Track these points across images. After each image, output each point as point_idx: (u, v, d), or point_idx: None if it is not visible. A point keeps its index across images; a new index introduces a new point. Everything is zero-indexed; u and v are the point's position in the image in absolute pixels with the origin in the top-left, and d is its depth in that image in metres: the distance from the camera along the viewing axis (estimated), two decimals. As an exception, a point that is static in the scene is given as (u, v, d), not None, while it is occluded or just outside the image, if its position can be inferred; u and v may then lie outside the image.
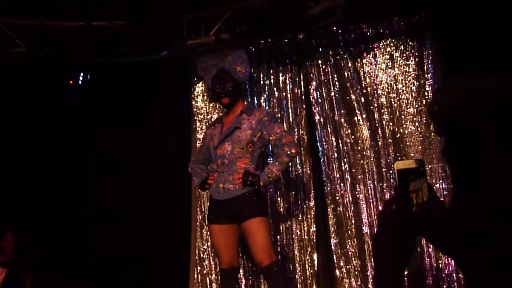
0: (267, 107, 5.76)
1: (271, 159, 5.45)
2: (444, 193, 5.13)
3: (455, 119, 1.45)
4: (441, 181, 5.17)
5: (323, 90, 5.70)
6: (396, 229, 1.49)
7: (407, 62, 5.45)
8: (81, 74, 5.98)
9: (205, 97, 6.09)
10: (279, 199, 5.67)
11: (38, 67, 5.88)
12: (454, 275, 4.98)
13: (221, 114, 5.47)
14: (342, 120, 5.60)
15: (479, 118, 1.42)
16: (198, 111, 6.10)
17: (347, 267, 5.39)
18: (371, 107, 5.52)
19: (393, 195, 1.54)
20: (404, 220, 1.46)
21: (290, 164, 5.03)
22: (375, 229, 5.04)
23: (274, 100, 5.86)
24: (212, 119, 5.87)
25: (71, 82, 6.00)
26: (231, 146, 4.27)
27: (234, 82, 4.39)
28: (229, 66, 4.43)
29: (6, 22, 5.65)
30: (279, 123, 4.55)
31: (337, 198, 5.53)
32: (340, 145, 5.58)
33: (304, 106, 5.77)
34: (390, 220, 1.51)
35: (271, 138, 4.28)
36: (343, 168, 5.55)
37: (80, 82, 5.99)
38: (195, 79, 6.11)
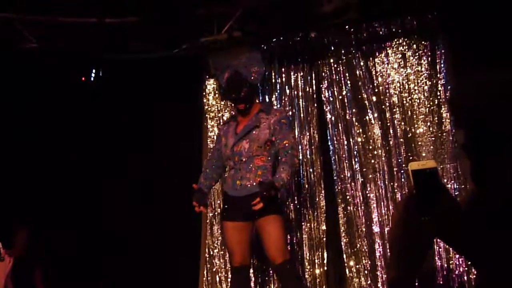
0: (278, 106, 5.76)
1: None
2: (456, 193, 5.12)
3: (474, 112, 1.46)
4: (452, 181, 5.16)
5: (335, 89, 5.69)
6: (413, 231, 1.49)
7: (419, 62, 5.42)
8: (93, 71, 5.98)
9: (217, 95, 6.08)
10: (289, 197, 5.66)
11: (49, 63, 5.88)
12: (465, 275, 4.97)
13: (232, 112, 5.48)
14: (354, 119, 5.58)
15: (497, 111, 1.42)
16: (209, 108, 6.10)
17: (357, 266, 5.39)
18: (383, 107, 5.51)
19: (408, 196, 1.53)
20: (423, 222, 1.46)
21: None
22: (389, 229, 5.05)
23: (286, 99, 5.85)
24: (224, 117, 5.89)
25: (83, 78, 6.00)
26: (249, 144, 4.26)
27: (249, 87, 4.36)
28: (243, 68, 4.38)
29: (18, 18, 5.65)
30: (293, 132, 4.58)
31: (348, 197, 5.52)
32: (351, 144, 5.57)
33: (315, 104, 5.77)
34: (407, 221, 1.51)
35: (283, 142, 4.25)
36: (354, 167, 5.54)
37: (92, 78, 5.99)
38: (207, 76, 6.11)
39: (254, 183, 4.19)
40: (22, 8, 5.58)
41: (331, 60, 5.75)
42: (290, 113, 5.69)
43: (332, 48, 5.76)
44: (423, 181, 1.45)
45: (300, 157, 5.58)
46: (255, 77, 4.41)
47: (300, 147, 5.61)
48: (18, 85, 6.08)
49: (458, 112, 1.54)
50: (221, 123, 5.61)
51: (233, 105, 4.58)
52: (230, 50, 5.59)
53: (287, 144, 4.24)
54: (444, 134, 5.23)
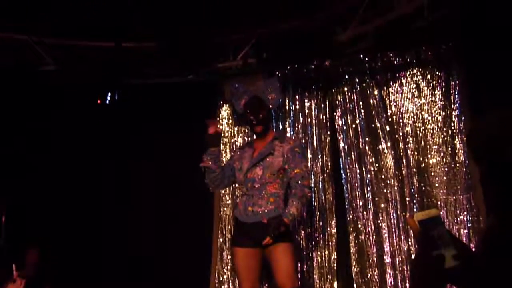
0: (292, 133, 5.77)
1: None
2: (468, 225, 5.08)
3: (493, 150, 1.46)
4: (465, 213, 5.12)
5: (348, 117, 5.70)
6: (430, 280, 1.49)
7: (433, 92, 5.43)
8: (109, 94, 6.04)
9: (230, 121, 6.11)
10: (300, 225, 5.64)
11: (66, 85, 5.94)
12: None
13: (246, 138, 5.50)
14: (367, 148, 5.58)
15: None
16: (223, 134, 6.11)
17: (368, 296, 5.35)
18: (396, 136, 5.50)
19: (420, 247, 1.54)
20: (438, 271, 1.46)
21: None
22: (408, 280, 5.02)
23: (299, 126, 5.87)
24: (237, 143, 5.90)
25: (99, 101, 6.06)
26: (262, 171, 4.27)
27: (267, 110, 4.40)
28: (261, 93, 4.42)
29: (37, 40, 5.75)
30: (306, 161, 4.57)
31: (359, 226, 5.50)
32: (364, 173, 5.56)
33: (328, 132, 5.78)
34: (424, 271, 1.51)
35: (294, 171, 4.25)
36: (366, 196, 5.52)
37: (107, 101, 6.04)
38: (221, 102, 6.15)
39: (266, 210, 4.19)
40: (42, 31, 5.69)
41: (345, 89, 5.77)
42: (303, 140, 5.69)
43: (347, 77, 5.78)
44: (430, 230, 1.48)
45: (312, 185, 5.58)
46: (272, 103, 4.45)
47: (312, 175, 5.61)
48: (35, 106, 6.14)
49: (476, 145, 1.55)
50: (235, 149, 5.64)
51: (250, 129, 4.58)
52: (245, 76, 5.63)
53: (297, 173, 4.23)
54: (458, 165, 5.21)
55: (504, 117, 1.49)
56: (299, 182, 4.21)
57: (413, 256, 4.99)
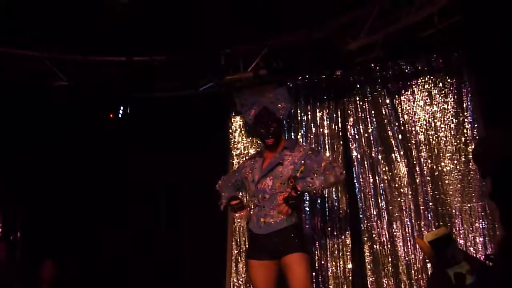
0: (304, 143, 5.76)
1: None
2: (484, 232, 5.03)
3: (500, 164, 1.46)
4: (480, 220, 5.08)
5: (361, 126, 5.69)
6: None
7: (445, 99, 5.41)
8: (121, 108, 6.07)
9: (242, 132, 6.12)
10: (315, 235, 5.63)
11: (79, 100, 5.99)
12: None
13: (258, 149, 5.49)
14: (379, 157, 5.57)
15: None
16: (235, 145, 6.14)
17: (384, 306, 5.32)
18: (409, 144, 5.49)
19: (435, 267, 1.54)
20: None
21: (333, 187, 4.96)
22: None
23: (311, 136, 5.86)
24: (249, 154, 5.90)
25: (111, 115, 6.09)
26: (272, 181, 4.25)
27: (278, 122, 4.38)
28: (271, 104, 4.39)
29: (49, 57, 5.80)
30: (324, 154, 4.57)
31: (374, 235, 5.47)
32: (377, 182, 5.54)
33: (341, 142, 5.77)
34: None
35: (322, 165, 4.22)
36: (380, 205, 5.51)
37: (119, 115, 6.08)
38: (233, 114, 6.17)
39: (278, 220, 4.18)
40: (54, 47, 5.73)
41: (357, 98, 5.77)
42: (316, 150, 5.69)
43: (358, 86, 5.79)
44: (442, 248, 1.48)
45: (326, 195, 5.57)
46: (282, 113, 4.41)
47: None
48: (48, 121, 6.19)
49: (482, 163, 1.54)
50: (246, 158, 5.64)
51: (261, 141, 4.56)
52: (256, 88, 5.64)
53: (325, 165, 4.21)
54: (472, 172, 5.18)
55: (508, 134, 1.49)
56: (331, 167, 4.17)
57: (429, 272, 4.97)
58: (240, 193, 4.94)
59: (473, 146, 5.14)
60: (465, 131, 5.28)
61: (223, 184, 4.55)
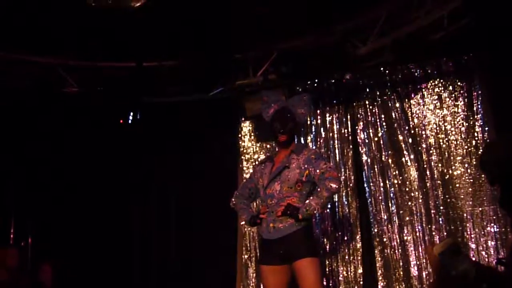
0: (313, 147, 5.75)
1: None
2: (496, 236, 5.00)
3: (507, 170, 1.45)
4: (492, 224, 5.05)
5: (370, 130, 5.68)
6: None
7: (456, 103, 5.39)
8: (131, 113, 6.09)
9: (252, 137, 6.13)
10: (325, 239, 5.62)
11: (90, 106, 6.02)
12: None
13: (268, 154, 5.49)
14: (390, 160, 5.55)
15: None
16: (245, 150, 6.14)
17: (395, 310, 5.29)
18: (419, 148, 5.47)
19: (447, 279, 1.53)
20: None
21: (331, 199, 4.94)
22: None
23: (321, 141, 5.86)
24: (259, 159, 5.90)
25: (121, 121, 6.12)
26: (280, 185, 4.24)
27: (294, 123, 4.38)
28: (292, 107, 4.41)
29: (60, 63, 5.84)
30: (326, 160, 4.53)
31: (385, 240, 5.45)
32: (388, 186, 5.53)
33: (351, 146, 5.76)
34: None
35: (316, 173, 4.21)
36: (391, 209, 5.49)
37: (130, 121, 6.10)
38: (243, 118, 6.17)
39: (287, 225, 4.16)
40: (64, 53, 5.77)
41: (367, 102, 5.76)
42: (326, 155, 5.67)
43: (367, 90, 5.78)
44: (451, 260, 1.46)
45: (336, 199, 5.57)
46: (300, 118, 4.43)
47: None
48: (59, 127, 6.22)
49: (489, 170, 1.54)
50: (256, 163, 5.63)
51: (274, 138, 4.55)
52: (280, 89, 5.63)
53: (319, 173, 4.18)
54: (483, 175, 5.13)
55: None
56: (322, 179, 4.15)
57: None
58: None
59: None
60: (475, 134, 5.26)
61: (237, 202, 4.54)
